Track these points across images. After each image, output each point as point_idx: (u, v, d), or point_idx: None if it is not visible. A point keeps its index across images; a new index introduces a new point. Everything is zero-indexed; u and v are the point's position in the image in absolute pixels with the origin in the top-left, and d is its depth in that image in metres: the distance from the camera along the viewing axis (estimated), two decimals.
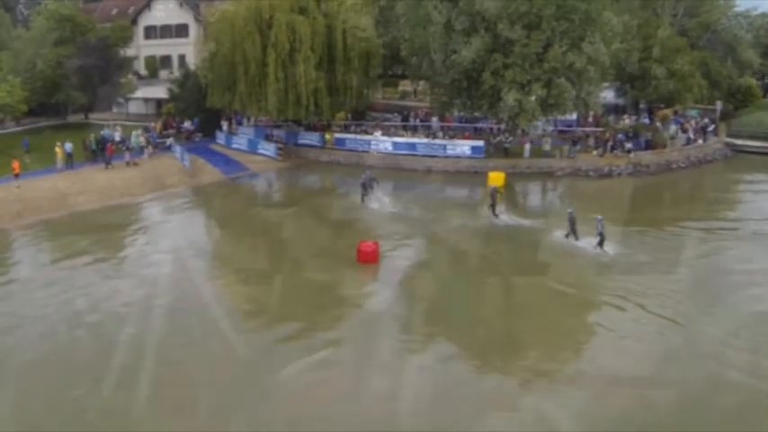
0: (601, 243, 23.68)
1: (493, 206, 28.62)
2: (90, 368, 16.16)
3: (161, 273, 22.73)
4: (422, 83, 52.44)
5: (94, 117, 52.90)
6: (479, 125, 44.74)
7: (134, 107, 56.19)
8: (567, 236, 24.91)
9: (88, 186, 33.51)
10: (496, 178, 35.29)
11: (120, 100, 54.23)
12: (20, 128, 50.83)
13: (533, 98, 35.77)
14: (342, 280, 22.19)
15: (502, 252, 25.19)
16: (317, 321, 19.00)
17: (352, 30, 40.01)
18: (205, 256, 25.48)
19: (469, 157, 39.20)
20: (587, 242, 24.27)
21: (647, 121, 45.48)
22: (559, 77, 36.23)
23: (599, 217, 23.72)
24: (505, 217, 28.58)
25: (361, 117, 47.17)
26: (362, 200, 31.27)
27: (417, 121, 46.15)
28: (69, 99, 49.95)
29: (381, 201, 31.59)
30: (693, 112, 48.46)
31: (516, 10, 34.86)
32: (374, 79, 44.45)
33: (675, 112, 47.50)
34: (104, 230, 28.35)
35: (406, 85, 58.82)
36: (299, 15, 39.07)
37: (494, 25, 35.78)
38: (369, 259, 23.25)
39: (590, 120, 44.88)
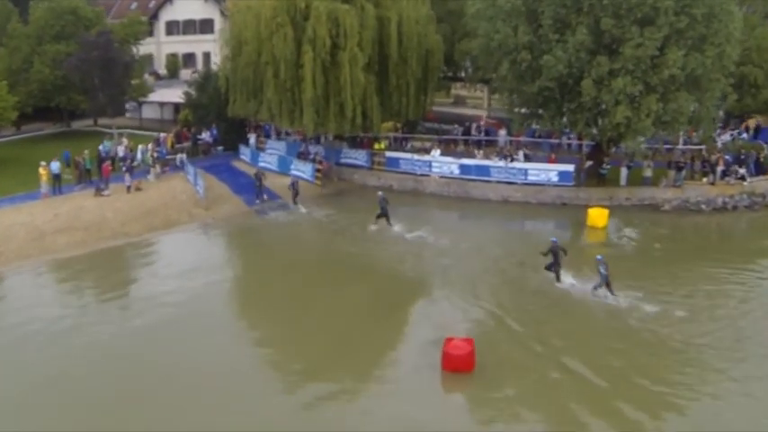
0: (600, 287, 20.09)
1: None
2: None
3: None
4: (479, 86, 44.97)
5: (103, 123, 46.15)
6: (557, 141, 36.71)
7: (149, 112, 49.22)
8: (547, 268, 21.48)
9: (73, 221, 26.18)
10: (599, 216, 27.53)
11: (133, 104, 47.23)
12: (21, 135, 45.62)
13: (648, 114, 27.58)
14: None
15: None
16: None
17: (408, 23, 32.37)
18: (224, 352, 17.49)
19: (556, 185, 31.18)
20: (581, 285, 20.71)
21: (744, 136, 38.04)
22: (678, 87, 28.17)
23: (599, 257, 20.32)
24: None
25: (413, 129, 39.34)
26: (257, 198, 30.50)
27: (481, 134, 38.26)
28: (71, 103, 43.38)
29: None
30: None
31: (626, 0, 26.83)
32: (434, 83, 36.60)
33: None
34: (81, 291, 21.02)
35: (458, 89, 51.07)
36: (342, 4, 31.23)
37: (594, 20, 27.68)
38: (460, 367, 15.46)
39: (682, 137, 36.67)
